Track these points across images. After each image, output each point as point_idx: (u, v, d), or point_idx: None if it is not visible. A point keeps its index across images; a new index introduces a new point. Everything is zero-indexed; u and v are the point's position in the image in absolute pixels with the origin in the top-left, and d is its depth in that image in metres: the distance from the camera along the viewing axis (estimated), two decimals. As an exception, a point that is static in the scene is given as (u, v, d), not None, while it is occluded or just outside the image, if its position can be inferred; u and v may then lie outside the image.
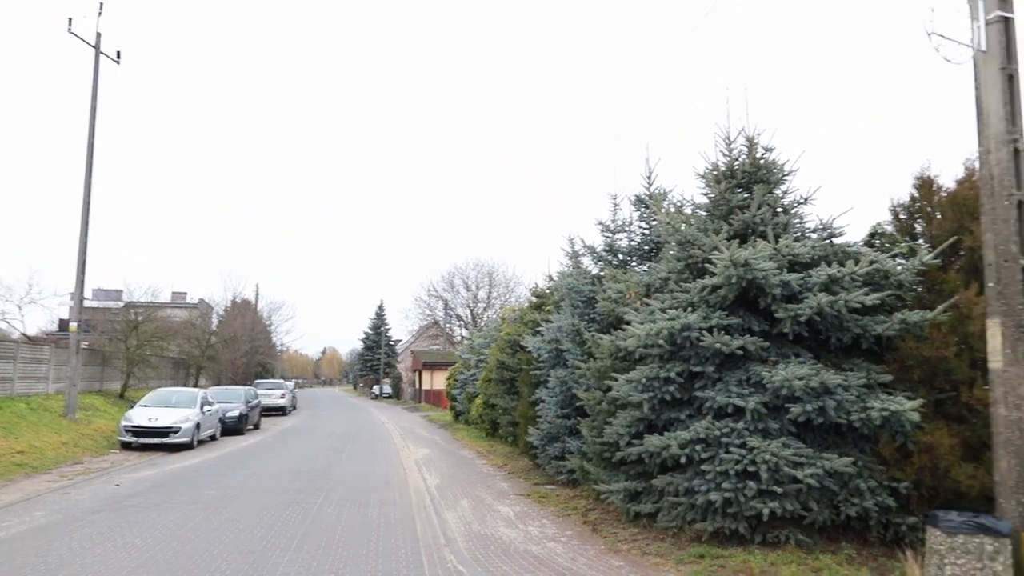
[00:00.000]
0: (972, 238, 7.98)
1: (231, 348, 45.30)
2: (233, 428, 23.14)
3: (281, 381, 44.40)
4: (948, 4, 7.02)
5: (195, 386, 33.50)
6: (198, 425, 19.19)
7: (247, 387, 30.17)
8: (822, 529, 7.59)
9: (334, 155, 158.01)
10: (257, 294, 61.08)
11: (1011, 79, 6.74)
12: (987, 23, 6.83)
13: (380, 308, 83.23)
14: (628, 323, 8.82)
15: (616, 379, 8.69)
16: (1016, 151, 6.67)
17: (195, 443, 18.96)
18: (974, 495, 6.93)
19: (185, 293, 63.23)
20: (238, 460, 16.58)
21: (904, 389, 7.58)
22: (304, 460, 16.69)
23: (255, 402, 27.16)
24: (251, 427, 25.78)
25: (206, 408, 20.39)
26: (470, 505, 10.99)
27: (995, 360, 6.53)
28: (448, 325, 65.65)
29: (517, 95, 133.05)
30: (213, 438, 21.19)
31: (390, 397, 69.64)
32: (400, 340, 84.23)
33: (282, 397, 36.32)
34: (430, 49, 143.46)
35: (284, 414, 36.19)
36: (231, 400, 24.51)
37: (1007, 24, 6.78)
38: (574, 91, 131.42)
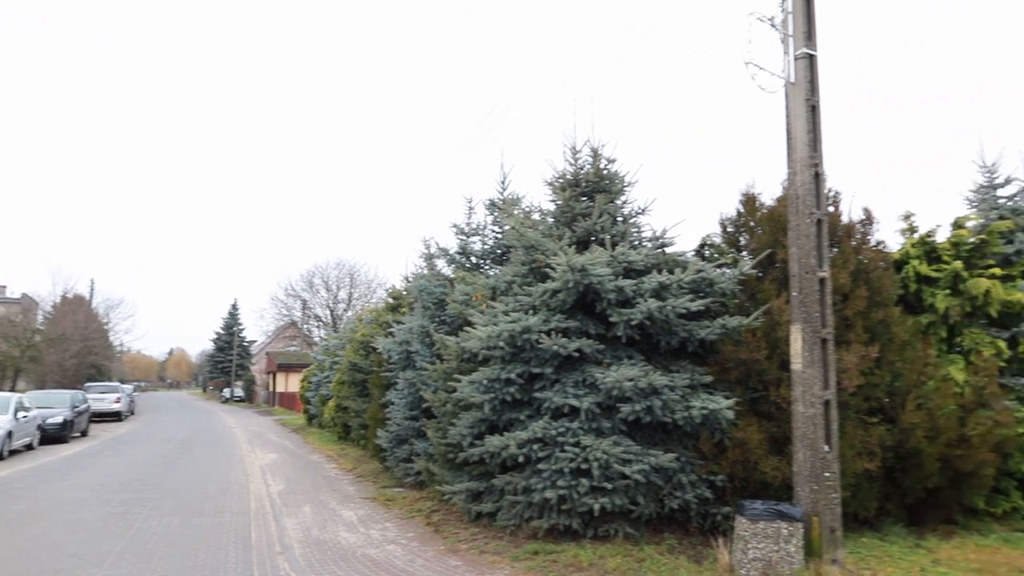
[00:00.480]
0: (784, 251, 8.77)
1: (59, 348, 41.27)
2: (55, 436, 21.09)
3: (117, 384, 40.94)
4: (764, 37, 7.71)
5: (12, 390, 30.23)
6: (10, 433, 17.33)
7: (75, 391, 27.61)
8: (648, 522, 8.05)
9: (183, 145, 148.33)
10: (92, 289, 56.08)
11: (814, 109, 7.49)
12: (796, 58, 7.55)
13: (234, 307, 79.06)
14: (474, 325, 8.93)
15: (460, 380, 8.77)
16: (817, 175, 7.42)
17: (5, 453, 17.09)
18: (778, 485, 7.62)
19: (4, 287, 56.93)
20: (57, 471, 15.13)
21: (723, 389, 8.20)
22: (135, 468, 15.51)
23: (83, 407, 24.91)
24: (77, 434, 23.63)
25: (21, 414, 18.43)
26: (313, 511, 10.68)
27: (796, 362, 7.22)
28: (306, 326, 63.47)
29: (386, 95, 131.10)
30: (30, 447, 19.23)
31: (242, 401, 66.27)
32: (255, 341, 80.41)
33: (117, 401, 33.54)
34: (297, 40, 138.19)
35: (119, 420, 33.48)
36: (54, 405, 22.33)
37: (811, 60, 7.53)
38: (444, 94, 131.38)
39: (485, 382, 8.40)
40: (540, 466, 7.88)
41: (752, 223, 9.85)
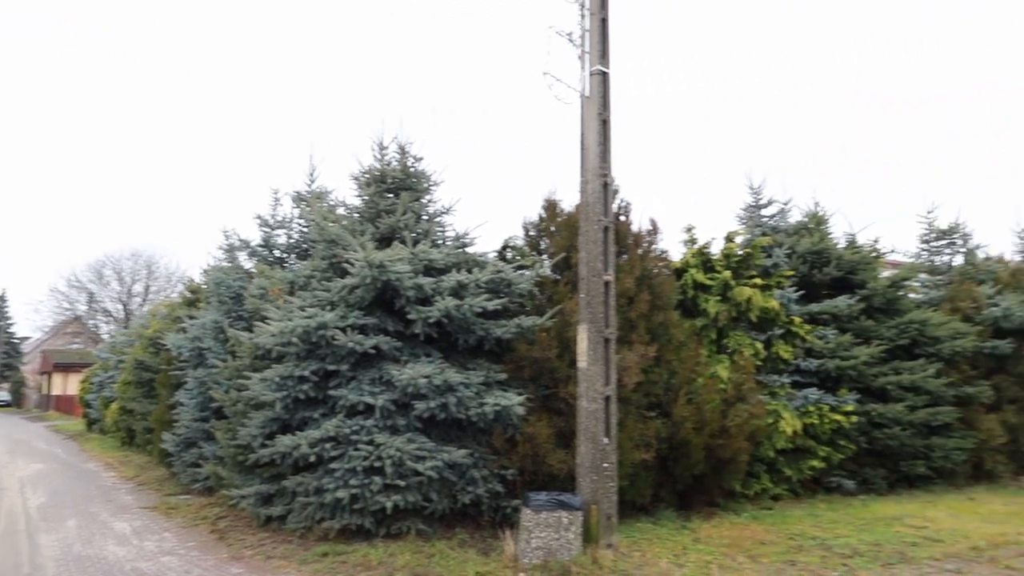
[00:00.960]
0: (578, 255, 9.28)
1: None
2: None
3: None
4: (563, 51, 8.12)
5: None
6: None
7: None
8: (442, 517, 8.14)
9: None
10: None
11: (605, 123, 8.00)
12: (591, 74, 8.03)
13: (1, 299, 69.30)
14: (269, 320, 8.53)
15: (250, 378, 8.34)
16: (606, 184, 7.94)
17: None
18: (564, 476, 8.02)
19: None
20: None
21: (517, 386, 8.50)
22: None
23: None
24: None
25: None
26: (78, 524, 9.61)
27: (582, 360, 7.65)
28: (93, 321, 57.21)
29: (196, 71, 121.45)
30: None
31: (8, 405, 58.29)
32: (28, 338, 70.97)
33: None
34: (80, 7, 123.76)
35: None
36: None
37: (604, 78, 8.04)
38: (255, 76, 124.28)
39: (278, 380, 8.06)
40: (333, 465, 7.70)
41: (552, 228, 10.32)
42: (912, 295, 13.34)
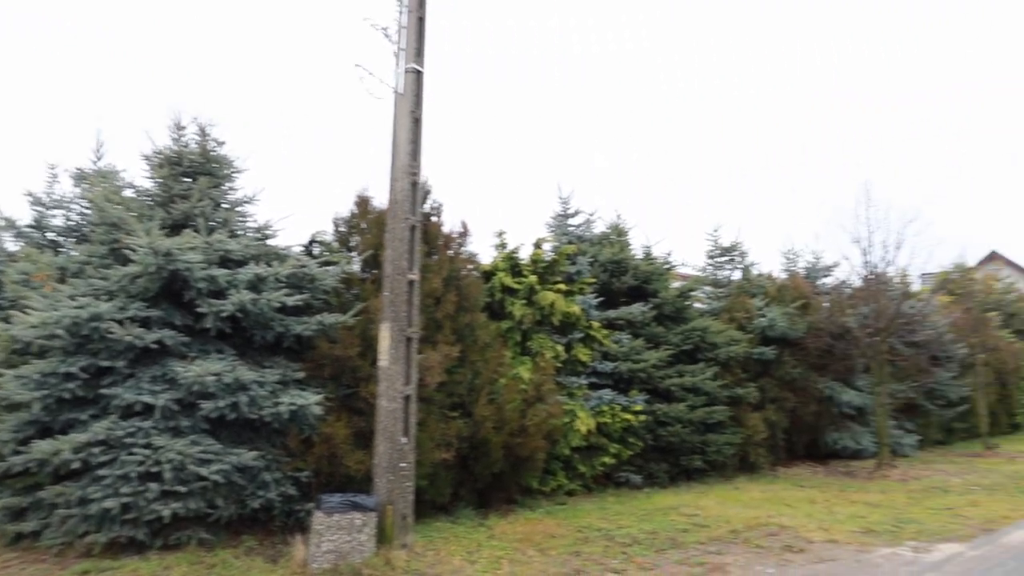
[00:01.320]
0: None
1: None
2: None
3: None
4: (378, 45, 8.02)
5: None
6: None
7: None
8: (228, 524, 7.64)
9: None
10: None
11: (417, 122, 8.00)
12: (405, 71, 7.99)
13: None
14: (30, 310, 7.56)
15: (3, 375, 7.33)
16: (414, 183, 7.93)
17: None
18: (361, 477, 7.86)
19: None
20: None
21: (316, 385, 8.22)
22: None
23: None
24: None
25: None
26: None
27: (383, 359, 7.57)
28: None
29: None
30: None
31: None
32: None
33: None
34: None
35: None
36: None
37: (419, 76, 8.04)
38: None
39: (38, 377, 7.15)
40: (102, 472, 6.96)
41: (363, 225, 10.11)
42: (697, 305, 14.68)
